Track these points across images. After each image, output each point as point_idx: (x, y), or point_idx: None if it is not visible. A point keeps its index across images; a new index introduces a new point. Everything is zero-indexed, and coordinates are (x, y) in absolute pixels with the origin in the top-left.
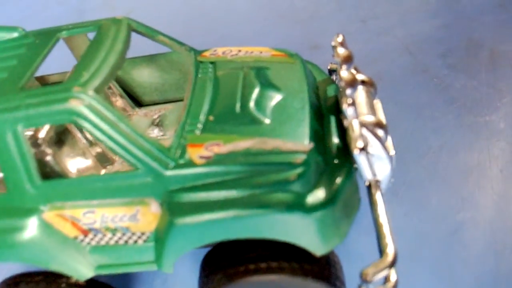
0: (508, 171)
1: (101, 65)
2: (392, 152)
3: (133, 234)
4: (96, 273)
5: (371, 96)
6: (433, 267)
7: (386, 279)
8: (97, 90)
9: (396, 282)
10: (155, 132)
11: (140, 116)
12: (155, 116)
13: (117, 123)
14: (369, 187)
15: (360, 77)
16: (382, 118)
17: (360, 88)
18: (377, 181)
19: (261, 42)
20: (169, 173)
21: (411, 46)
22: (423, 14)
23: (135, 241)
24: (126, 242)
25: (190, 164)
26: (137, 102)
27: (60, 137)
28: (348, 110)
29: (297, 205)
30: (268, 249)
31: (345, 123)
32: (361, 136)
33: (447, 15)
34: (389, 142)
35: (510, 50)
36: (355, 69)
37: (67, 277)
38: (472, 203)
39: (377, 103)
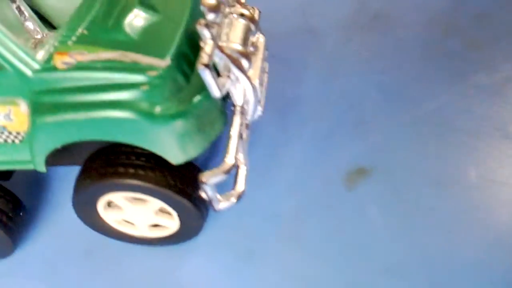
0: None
1: None
2: (255, 81)
3: (10, 133)
4: None
5: (248, 32)
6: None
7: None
8: None
9: (242, 192)
10: None
11: (50, 37)
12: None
13: None
14: (233, 111)
15: (242, 10)
16: (256, 49)
17: (239, 19)
18: (241, 107)
19: None
20: (33, 75)
21: (308, 8)
22: None
23: (13, 140)
24: (5, 140)
25: (53, 68)
26: (52, 25)
27: None
28: (203, 31)
29: (146, 113)
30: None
31: (201, 44)
32: (211, 56)
33: None
34: (256, 72)
35: (394, 15)
36: (239, 2)
37: None
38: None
39: (259, 38)
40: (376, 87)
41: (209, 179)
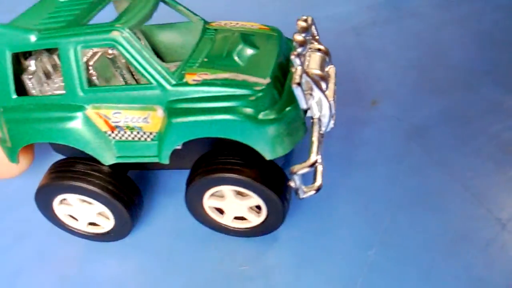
0: None
1: (135, 15)
2: (331, 99)
3: (145, 133)
4: (116, 161)
5: (324, 62)
6: None
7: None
8: (131, 28)
9: (320, 185)
10: None
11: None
12: (173, 69)
13: (141, 51)
14: (312, 122)
15: (318, 46)
16: (329, 76)
17: (316, 53)
18: (319, 119)
19: None
20: (171, 88)
21: None
22: None
23: (145, 139)
24: (139, 139)
25: (186, 84)
26: (162, 60)
27: (106, 73)
28: (295, 60)
29: (252, 117)
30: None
31: (292, 69)
32: (301, 77)
33: None
34: (330, 92)
35: None
36: (316, 40)
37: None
38: None
39: (332, 68)
40: None
41: (298, 170)
